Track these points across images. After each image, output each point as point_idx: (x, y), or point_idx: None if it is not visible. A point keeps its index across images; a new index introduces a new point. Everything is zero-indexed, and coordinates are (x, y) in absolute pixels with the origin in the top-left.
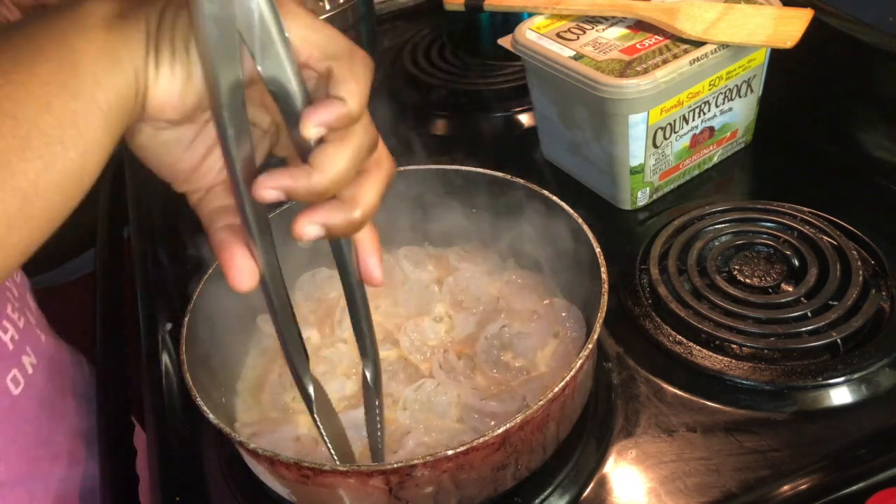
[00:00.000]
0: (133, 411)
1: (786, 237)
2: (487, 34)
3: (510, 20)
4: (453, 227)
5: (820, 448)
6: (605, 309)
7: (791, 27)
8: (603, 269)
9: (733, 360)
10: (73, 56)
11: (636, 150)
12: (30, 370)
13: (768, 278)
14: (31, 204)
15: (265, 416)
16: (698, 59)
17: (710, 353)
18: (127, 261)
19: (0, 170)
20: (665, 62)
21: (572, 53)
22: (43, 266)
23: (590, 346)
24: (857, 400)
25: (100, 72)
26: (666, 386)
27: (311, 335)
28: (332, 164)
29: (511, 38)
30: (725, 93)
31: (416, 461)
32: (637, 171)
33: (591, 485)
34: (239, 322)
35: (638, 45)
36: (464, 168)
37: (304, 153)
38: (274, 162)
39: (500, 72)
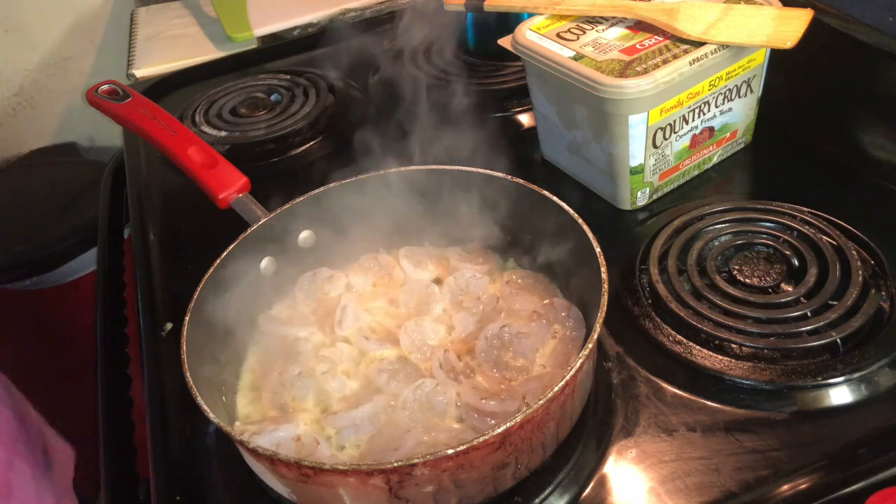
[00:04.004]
0: (133, 411)
1: (785, 237)
2: (487, 34)
3: (510, 20)
4: (453, 227)
5: (820, 448)
6: (604, 309)
7: (791, 27)
8: (603, 270)
9: (733, 360)
10: None
11: (636, 151)
12: None
13: (768, 278)
14: None
15: (265, 415)
16: (698, 60)
17: (710, 353)
18: (127, 261)
19: None
20: (665, 62)
21: (572, 54)
22: (43, 266)
23: (589, 345)
24: (856, 400)
25: None
26: (666, 386)
27: (311, 335)
28: None
29: (511, 39)
30: (725, 93)
31: (416, 460)
32: (637, 171)
33: (591, 484)
34: (239, 322)
35: (638, 46)
36: (464, 168)
37: None
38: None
39: (500, 72)
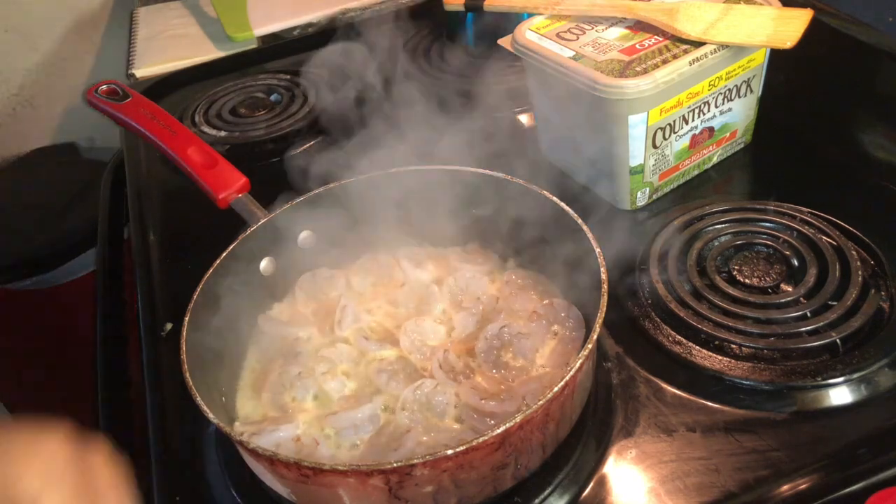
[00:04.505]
0: (133, 411)
1: (785, 237)
2: (487, 34)
3: (510, 20)
4: (453, 227)
5: (819, 448)
6: (604, 309)
7: (791, 27)
8: (603, 269)
9: (733, 360)
10: None
11: (636, 151)
12: None
13: (768, 278)
14: None
15: (265, 415)
16: (698, 60)
17: (710, 353)
18: (127, 261)
19: None
20: (665, 62)
21: (572, 54)
22: (43, 266)
23: (589, 345)
24: (856, 400)
25: None
26: (665, 386)
27: (311, 335)
28: None
29: (511, 39)
30: (725, 93)
31: (415, 461)
32: (637, 171)
33: (591, 485)
34: (239, 322)
35: (638, 46)
36: (464, 168)
37: None
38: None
39: (500, 72)
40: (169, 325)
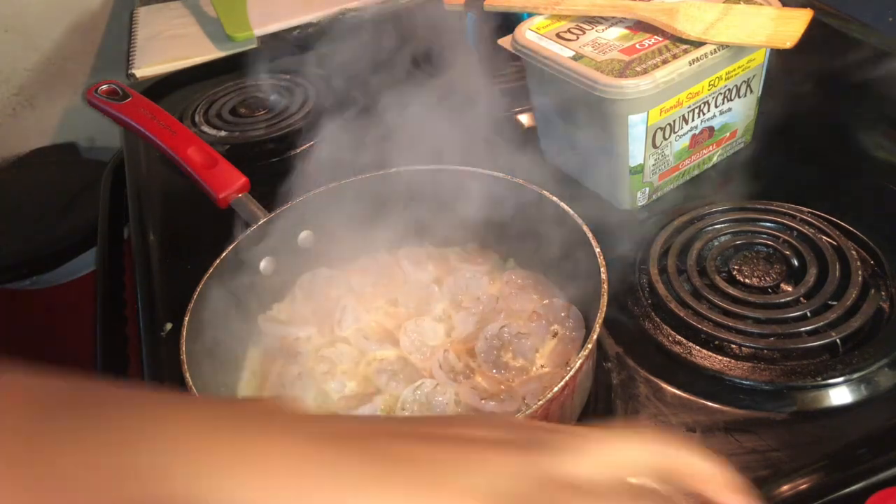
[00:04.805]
0: None
1: (785, 237)
2: (487, 34)
3: (510, 20)
4: (453, 227)
5: (819, 448)
6: (604, 309)
7: (790, 27)
8: (602, 269)
9: (733, 360)
10: None
11: (635, 151)
12: None
13: (768, 278)
14: None
15: None
16: (698, 60)
17: (710, 353)
18: (127, 261)
19: None
20: (664, 62)
21: (572, 54)
22: (43, 266)
23: (589, 345)
24: (856, 400)
25: None
26: (665, 386)
27: (311, 335)
28: None
29: (511, 39)
30: (725, 93)
31: None
32: (636, 171)
33: None
34: (239, 322)
35: (637, 46)
36: (464, 168)
37: None
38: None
39: (499, 72)
40: (169, 325)
